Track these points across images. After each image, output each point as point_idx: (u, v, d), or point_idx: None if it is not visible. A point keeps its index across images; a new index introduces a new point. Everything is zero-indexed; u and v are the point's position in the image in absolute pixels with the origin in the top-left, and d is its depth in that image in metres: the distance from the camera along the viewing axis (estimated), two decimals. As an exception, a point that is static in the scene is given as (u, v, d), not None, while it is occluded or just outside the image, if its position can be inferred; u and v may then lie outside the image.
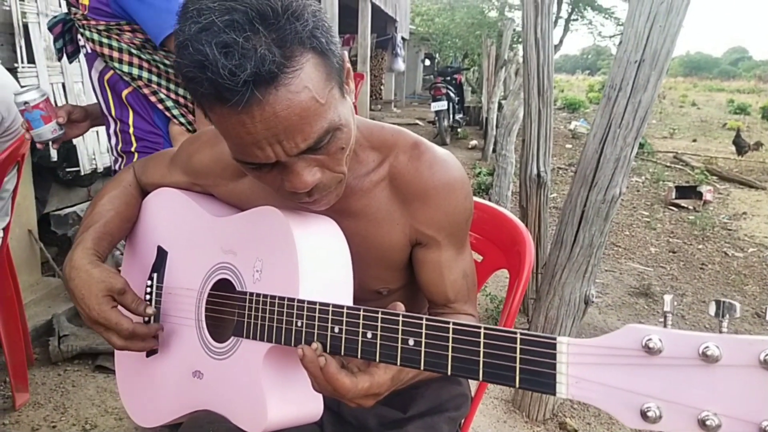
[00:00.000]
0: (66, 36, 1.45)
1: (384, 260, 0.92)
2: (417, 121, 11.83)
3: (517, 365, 0.57)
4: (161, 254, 1.02)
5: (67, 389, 2.17)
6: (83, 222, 1.03)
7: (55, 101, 2.80)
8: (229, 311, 0.87)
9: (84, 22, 1.35)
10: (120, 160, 1.45)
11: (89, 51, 1.40)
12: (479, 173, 6.37)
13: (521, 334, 0.58)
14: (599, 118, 1.82)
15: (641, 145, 8.75)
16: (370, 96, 11.76)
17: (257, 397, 0.78)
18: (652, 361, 0.51)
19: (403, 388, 0.99)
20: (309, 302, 0.74)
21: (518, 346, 0.57)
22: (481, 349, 0.60)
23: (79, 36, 1.42)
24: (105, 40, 1.34)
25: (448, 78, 10.14)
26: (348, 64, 0.76)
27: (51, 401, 2.11)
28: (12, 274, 2.12)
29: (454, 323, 0.63)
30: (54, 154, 2.84)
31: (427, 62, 15.72)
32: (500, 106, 6.86)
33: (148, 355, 1.00)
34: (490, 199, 3.23)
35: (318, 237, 0.81)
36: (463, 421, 1.07)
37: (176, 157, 1.04)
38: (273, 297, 0.78)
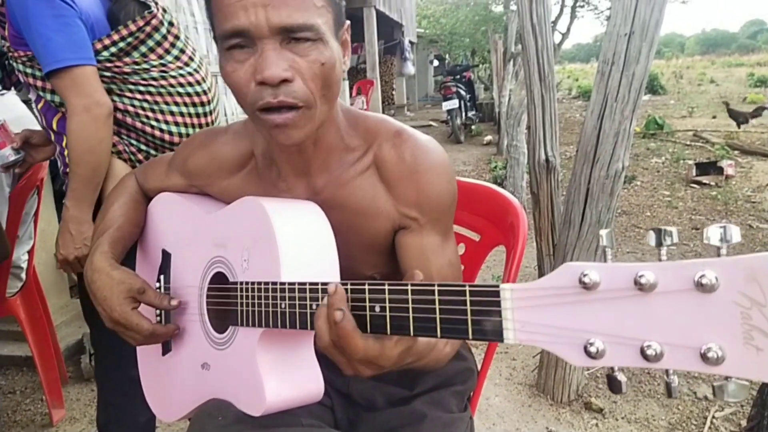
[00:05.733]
0: (7, 67, 1.47)
1: (373, 247, 0.93)
2: (431, 123, 11.85)
3: (469, 317, 0.57)
4: (166, 256, 1.07)
5: (100, 403, 2.25)
6: (96, 228, 1.08)
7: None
8: (225, 302, 0.90)
9: (11, 54, 1.36)
10: (66, 180, 1.42)
11: (22, 81, 1.40)
12: (495, 167, 6.36)
13: (470, 286, 0.58)
14: (595, 94, 1.82)
15: (660, 126, 8.63)
16: (383, 102, 11.82)
17: (255, 380, 0.80)
18: (590, 297, 0.50)
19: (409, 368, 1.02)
20: (289, 283, 0.75)
21: (468, 298, 0.58)
22: (437, 306, 0.60)
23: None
24: (29, 71, 1.34)
25: (458, 76, 10.15)
26: (347, 36, 0.85)
27: (86, 416, 2.19)
28: (40, 296, 2.21)
29: (411, 284, 0.63)
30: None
31: (437, 63, 15.74)
32: (510, 99, 6.83)
33: (164, 354, 1.05)
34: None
35: (296, 219, 0.83)
36: (471, 395, 1.09)
37: (172, 161, 1.08)
38: (258, 283, 0.80)
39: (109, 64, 1.35)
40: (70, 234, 1.36)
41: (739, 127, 8.13)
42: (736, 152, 6.85)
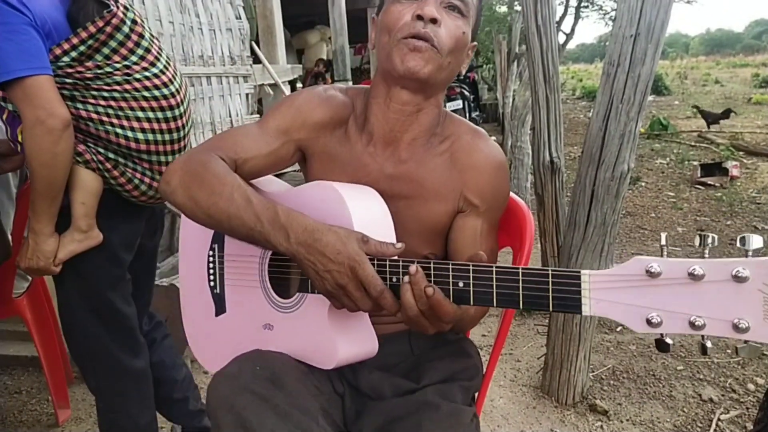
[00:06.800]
0: None
1: (434, 225, 1.05)
2: (434, 123, 11.81)
3: (550, 294, 0.74)
4: None
5: (106, 403, 2.25)
6: (242, 211, 0.91)
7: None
8: (290, 272, 0.99)
9: None
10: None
11: None
12: (499, 168, 6.35)
13: (552, 270, 0.74)
14: (600, 96, 1.82)
15: (664, 127, 8.60)
16: (386, 102, 11.79)
17: (327, 340, 0.93)
18: (654, 282, 0.67)
19: (417, 362, 1.05)
20: (368, 259, 0.84)
21: (550, 279, 0.73)
22: (520, 285, 0.76)
23: None
24: None
25: (461, 77, 10.14)
26: (472, 54, 1.06)
27: (92, 416, 2.19)
28: (47, 297, 2.21)
29: (496, 266, 0.78)
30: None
31: (441, 64, 15.77)
32: (514, 100, 6.83)
33: (217, 315, 1.11)
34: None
35: (366, 204, 0.94)
36: (476, 395, 1.09)
37: (270, 124, 1.06)
38: None
39: (70, 70, 1.30)
40: (28, 243, 1.35)
41: (708, 127, 8.44)
42: (741, 153, 6.82)
